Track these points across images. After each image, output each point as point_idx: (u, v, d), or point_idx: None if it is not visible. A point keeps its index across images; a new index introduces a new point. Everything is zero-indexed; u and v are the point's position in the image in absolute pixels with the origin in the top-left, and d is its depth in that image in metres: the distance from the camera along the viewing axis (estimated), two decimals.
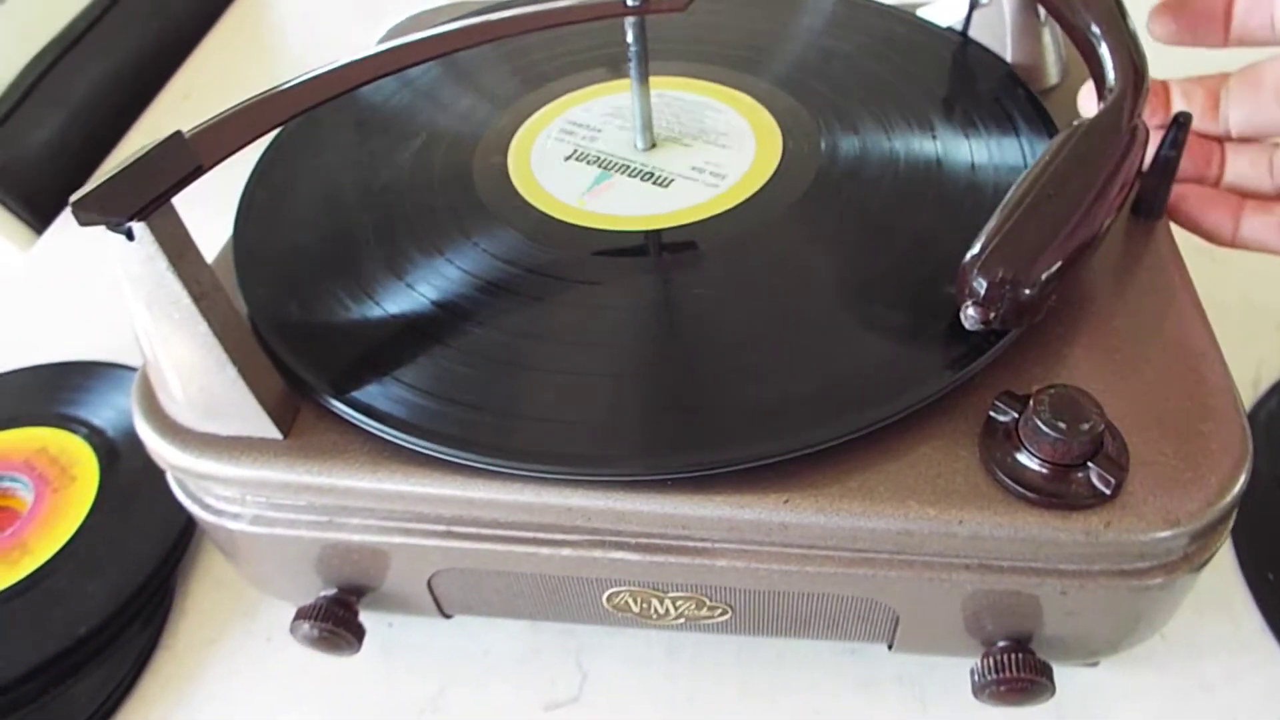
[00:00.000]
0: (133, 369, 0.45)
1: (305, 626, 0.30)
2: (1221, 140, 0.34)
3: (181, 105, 0.66)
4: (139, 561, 0.37)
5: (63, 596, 0.36)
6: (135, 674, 0.36)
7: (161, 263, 0.25)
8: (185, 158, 0.26)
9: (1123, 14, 0.33)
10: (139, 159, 0.25)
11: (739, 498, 0.25)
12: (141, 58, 0.70)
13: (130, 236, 0.25)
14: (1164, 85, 0.34)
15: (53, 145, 0.63)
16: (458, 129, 0.39)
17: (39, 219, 0.59)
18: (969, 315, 0.26)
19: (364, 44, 0.32)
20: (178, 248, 0.25)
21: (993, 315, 0.26)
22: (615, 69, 0.41)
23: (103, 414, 0.43)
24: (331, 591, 0.31)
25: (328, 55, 0.30)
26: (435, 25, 0.40)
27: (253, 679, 0.36)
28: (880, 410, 0.26)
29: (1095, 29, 0.32)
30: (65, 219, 0.58)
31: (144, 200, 0.24)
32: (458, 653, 0.36)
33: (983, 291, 0.25)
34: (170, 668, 0.36)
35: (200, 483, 0.29)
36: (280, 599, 0.34)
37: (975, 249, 0.26)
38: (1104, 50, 0.32)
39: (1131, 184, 0.30)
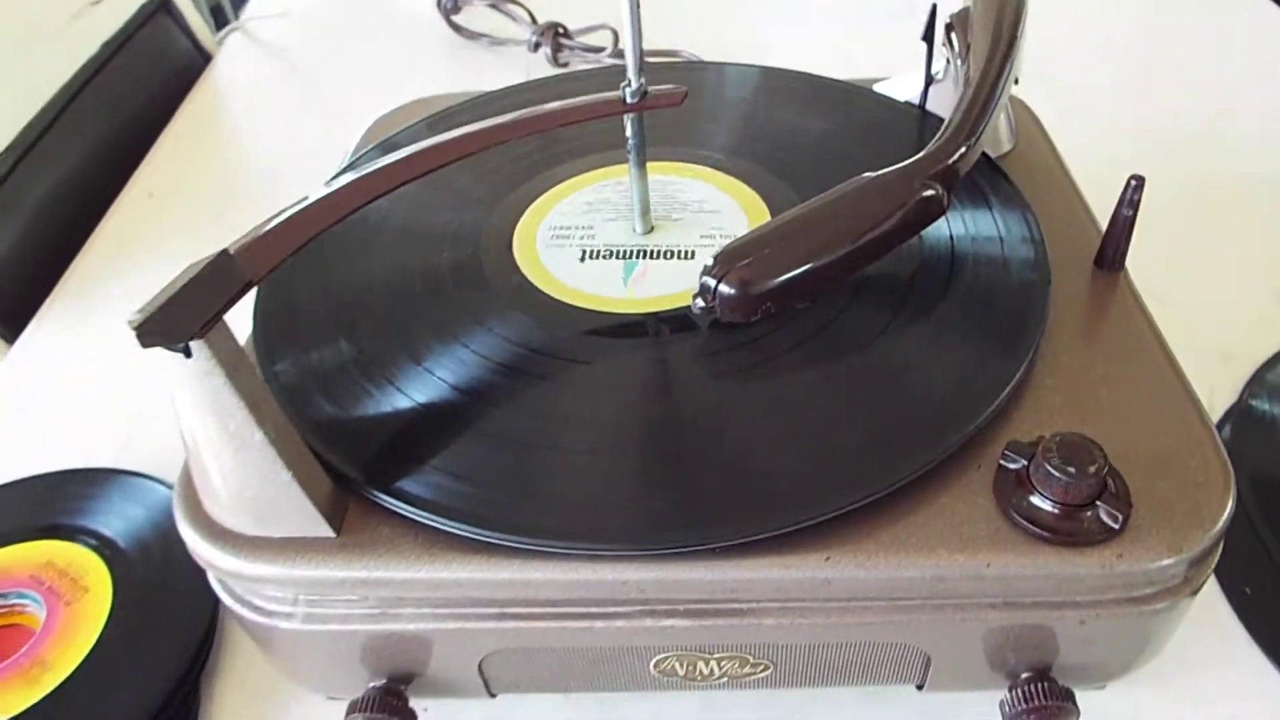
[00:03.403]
0: (126, 472, 0.45)
1: None
2: None
3: (146, 203, 0.66)
4: (164, 669, 0.37)
5: (90, 711, 0.36)
6: None
7: (219, 377, 0.26)
8: (234, 275, 0.27)
9: (998, 84, 0.34)
10: (191, 280, 0.26)
11: (783, 559, 0.27)
12: (97, 160, 0.70)
13: (188, 354, 0.26)
14: None
15: (14, 255, 0.62)
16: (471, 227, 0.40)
17: (8, 329, 0.58)
18: (694, 302, 0.31)
19: (318, 133, 0.33)
20: (233, 361, 0.26)
21: (703, 303, 0.31)
22: (602, 157, 0.43)
23: (107, 521, 0.43)
24: (381, 682, 0.32)
25: (283, 145, 0.31)
26: (426, 119, 0.41)
27: None
28: (906, 467, 0.28)
29: (969, 82, 0.35)
30: (35, 326, 0.57)
31: (201, 320, 0.26)
32: None
33: (699, 284, 0.30)
34: None
35: (250, 585, 0.30)
36: (322, 694, 0.34)
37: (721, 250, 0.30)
38: (960, 108, 0.34)
39: (902, 238, 0.32)
